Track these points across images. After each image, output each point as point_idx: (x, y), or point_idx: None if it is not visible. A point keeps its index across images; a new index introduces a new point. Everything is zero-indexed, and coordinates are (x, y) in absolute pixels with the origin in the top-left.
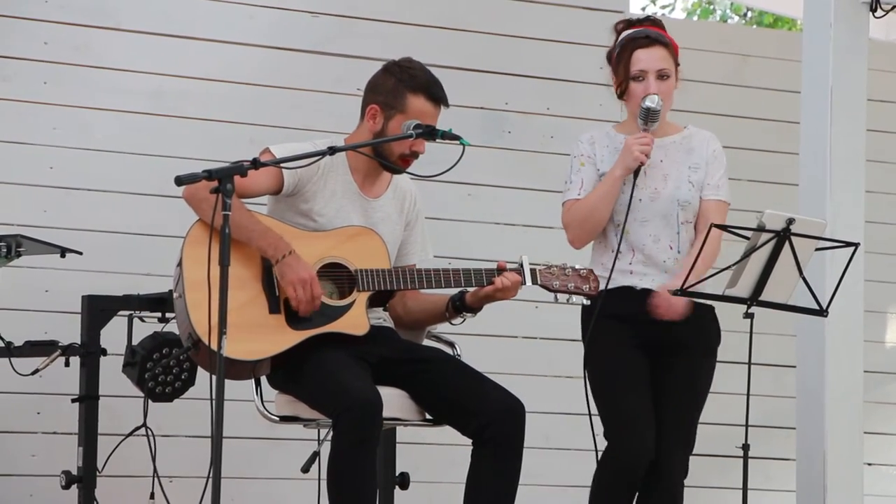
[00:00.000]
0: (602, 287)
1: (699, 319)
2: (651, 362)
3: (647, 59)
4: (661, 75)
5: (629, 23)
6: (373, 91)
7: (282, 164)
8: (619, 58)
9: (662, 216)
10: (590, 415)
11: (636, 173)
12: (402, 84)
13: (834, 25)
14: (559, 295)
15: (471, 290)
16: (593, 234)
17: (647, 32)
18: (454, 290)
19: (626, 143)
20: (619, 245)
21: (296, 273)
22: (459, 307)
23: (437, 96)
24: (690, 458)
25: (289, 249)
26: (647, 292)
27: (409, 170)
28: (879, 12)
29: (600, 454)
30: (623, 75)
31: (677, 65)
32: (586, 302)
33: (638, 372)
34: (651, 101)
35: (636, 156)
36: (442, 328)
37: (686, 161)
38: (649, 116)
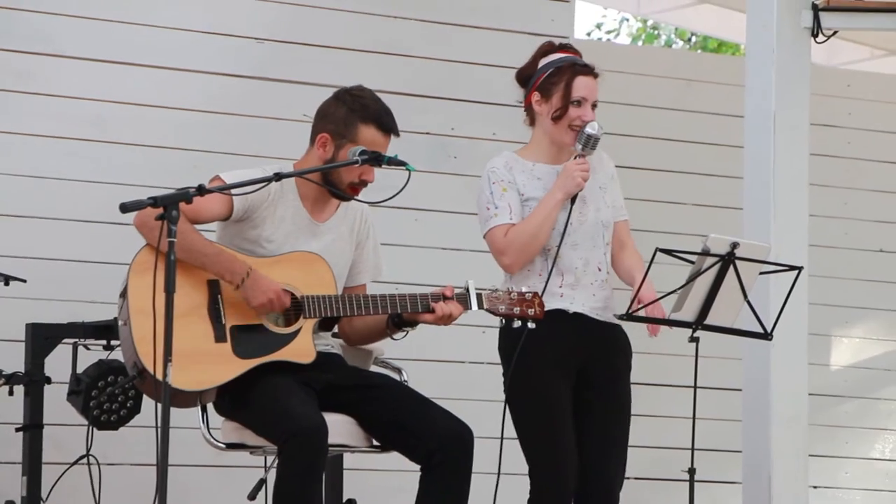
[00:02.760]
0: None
1: (617, 337)
2: (577, 384)
3: (588, 87)
4: (594, 106)
5: (554, 46)
6: (323, 119)
7: (228, 191)
8: (556, 80)
9: (590, 238)
10: (501, 438)
11: (573, 199)
12: (353, 113)
13: (776, 51)
14: (505, 319)
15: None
16: (533, 257)
17: (584, 61)
18: None
19: (566, 168)
20: (552, 269)
21: (262, 295)
22: (398, 323)
23: (388, 126)
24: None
25: (246, 271)
26: (579, 316)
27: (356, 197)
28: (821, 37)
29: (502, 477)
30: (563, 99)
31: None
32: (532, 325)
33: (565, 408)
34: (592, 129)
35: (578, 182)
36: (389, 353)
37: (594, 182)
38: (591, 143)
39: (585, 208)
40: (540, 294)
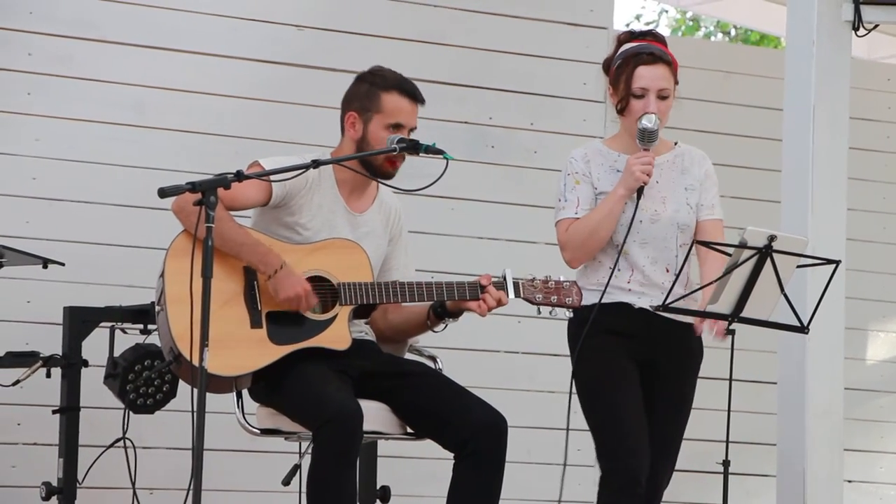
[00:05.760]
0: (596, 301)
1: (687, 337)
2: (642, 379)
3: (649, 77)
4: (662, 95)
5: (632, 34)
6: (348, 101)
7: (266, 177)
8: (620, 72)
9: (662, 238)
10: (567, 429)
11: (639, 193)
12: (374, 86)
13: (816, 43)
14: (542, 308)
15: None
16: (593, 253)
17: (651, 49)
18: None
19: (627, 162)
20: (617, 262)
21: (291, 289)
22: (441, 314)
23: (411, 91)
24: (672, 473)
25: (280, 263)
26: (643, 312)
27: (393, 184)
28: (861, 31)
29: (569, 469)
30: (624, 91)
31: (676, 82)
32: (569, 314)
33: (633, 385)
34: (648, 122)
35: (637, 176)
36: (424, 341)
37: (681, 182)
38: (646, 136)
39: (663, 207)
40: (605, 287)
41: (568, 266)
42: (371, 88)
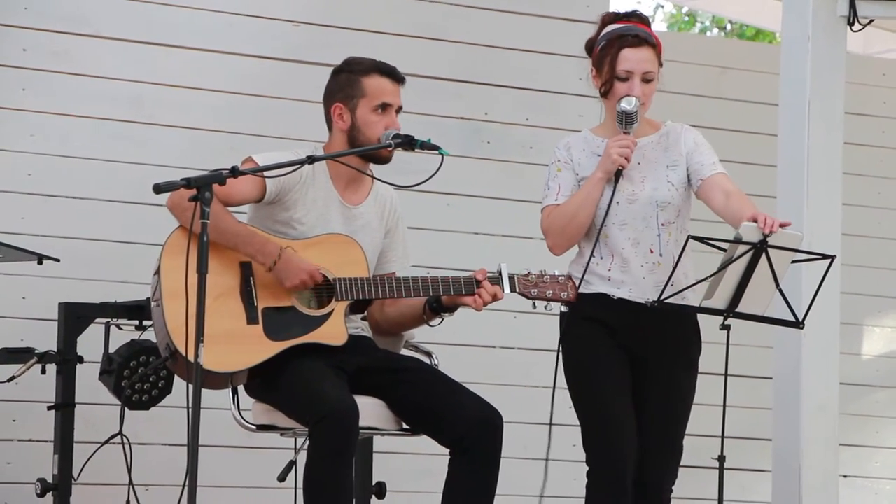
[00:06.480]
0: (583, 290)
1: (682, 330)
2: (635, 372)
3: (634, 59)
4: (646, 78)
5: (616, 15)
6: (331, 95)
7: (260, 173)
8: (604, 53)
9: (641, 218)
10: (550, 424)
11: (617, 177)
12: (352, 74)
13: (812, 39)
14: (537, 302)
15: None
16: (574, 239)
17: (636, 31)
18: None
19: (606, 145)
20: (594, 248)
21: (296, 276)
22: (436, 308)
23: (389, 70)
24: None
25: (278, 252)
26: (623, 302)
27: (388, 180)
28: (857, 26)
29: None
30: (609, 73)
31: (661, 65)
32: (564, 309)
33: (618, 377)
34: (628, 104)
35: (614, 159)
36: (420, 336)
37: (664, 160)
38: (626, 119)
39: (641, 187)
40: (582, 275)
41: (551, 252)
42: (350, 76)
